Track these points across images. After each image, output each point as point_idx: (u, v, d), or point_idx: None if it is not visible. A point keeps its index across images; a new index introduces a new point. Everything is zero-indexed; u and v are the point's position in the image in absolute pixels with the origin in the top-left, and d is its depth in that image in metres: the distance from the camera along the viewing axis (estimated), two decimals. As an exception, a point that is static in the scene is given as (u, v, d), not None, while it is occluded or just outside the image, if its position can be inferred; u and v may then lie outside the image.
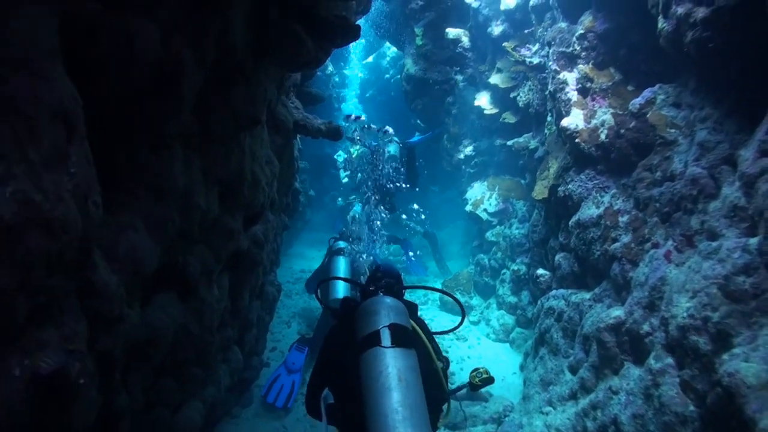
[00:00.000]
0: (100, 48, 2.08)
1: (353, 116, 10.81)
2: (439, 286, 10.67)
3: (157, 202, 2.79)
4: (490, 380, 3.94)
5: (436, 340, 3.67)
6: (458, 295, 10.26)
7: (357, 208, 12.04)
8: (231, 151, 3.69)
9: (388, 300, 3.33)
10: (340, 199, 14.10)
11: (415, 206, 13.60)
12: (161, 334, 3.16)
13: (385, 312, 3.21)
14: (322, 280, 7.54)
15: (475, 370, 3.99)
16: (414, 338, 3.20)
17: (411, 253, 12.44)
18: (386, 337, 3.05)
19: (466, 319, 9.94)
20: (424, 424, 2.73)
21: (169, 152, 2.84)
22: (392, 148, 11.80)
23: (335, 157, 13.75)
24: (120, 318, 2.39)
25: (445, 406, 3.57)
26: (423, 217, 13.72)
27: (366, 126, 10.94)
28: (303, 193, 11.61)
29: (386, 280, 3.69)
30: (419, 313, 3.76)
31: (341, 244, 8.60)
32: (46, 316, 1.85)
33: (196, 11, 2.74)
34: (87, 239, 1.96)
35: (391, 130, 11.19)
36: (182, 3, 2.58)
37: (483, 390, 7.07)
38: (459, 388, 3.84)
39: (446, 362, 3.59)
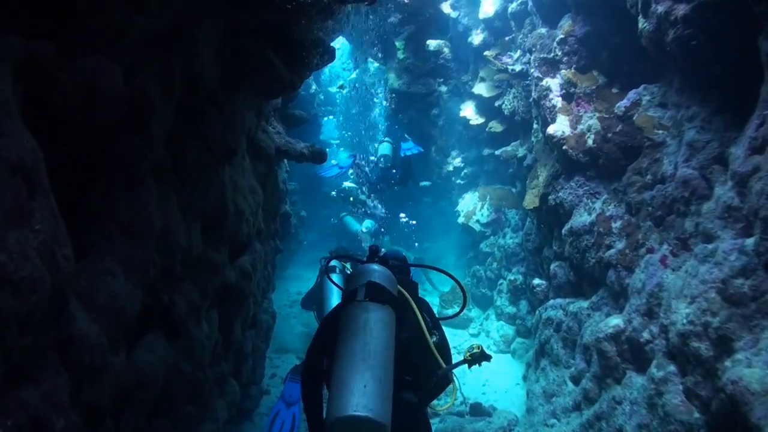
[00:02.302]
0: (61, 91, 2.01)
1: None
2: (437, 302, 10.58)
3: (134, 244, 2.71)
4: (485, 356, 3.86)
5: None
6: (456, 308, 10.17)
7: (367, 224, 11.98)
8: (210, 184, 3.62)
9: (375, 266, 3.54)
10: (333, 218, 14.00)
11: (402, 216, 13.51)
12: (150, 377, 3.08)
13: (368, 274, 3.44)
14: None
15: (470, 347, 3.96)
16: (391, 298, 3.37)
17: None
18: (361, 293, 3.30)
19: (465, 332, 9.93)
20: (381, 368, 2.93)
21: (142, 190, 2.77)
22: (384, 148, 11.81)
23: (331, 193, 13.68)
24: (103, 367, 2.33)
25: (450, 386, 3.75)
26: (413, 223, 13.64)
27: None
28: (294, 214, 11.53)
29: (391, 260, 3.90)
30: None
31: (333, 263, 8.49)
32: (24, 374, 1.79)
33: (160, 44, 2.67)
34: (60, 293, 1.90)
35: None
36: (143, 38, 2.51)
37: (486, 404, 7.01)
38: (455, 365, 3.79)
39: (440, 336, 3.74)
